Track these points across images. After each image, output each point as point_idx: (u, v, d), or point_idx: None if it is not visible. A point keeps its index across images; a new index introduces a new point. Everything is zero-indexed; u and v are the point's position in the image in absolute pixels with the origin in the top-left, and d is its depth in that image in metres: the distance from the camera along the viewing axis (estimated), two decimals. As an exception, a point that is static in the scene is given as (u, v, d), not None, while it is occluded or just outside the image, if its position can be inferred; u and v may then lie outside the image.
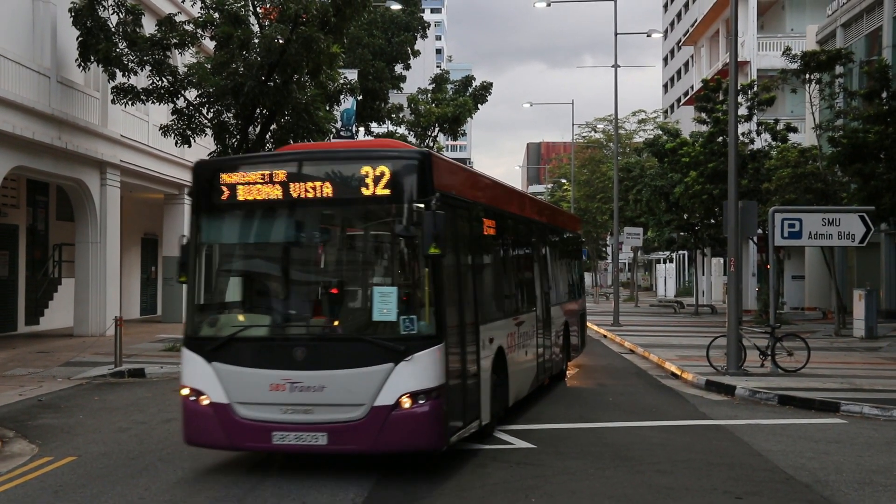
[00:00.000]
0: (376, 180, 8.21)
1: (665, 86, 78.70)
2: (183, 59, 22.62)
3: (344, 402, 8.06)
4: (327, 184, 8.41)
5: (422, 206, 8.11)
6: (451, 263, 8.89)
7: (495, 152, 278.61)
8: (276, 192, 8.49)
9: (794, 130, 30.69)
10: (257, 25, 21.06)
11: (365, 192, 8.28)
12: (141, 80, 20.75)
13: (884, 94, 22.94)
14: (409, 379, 8.00)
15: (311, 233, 8.82)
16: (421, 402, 8.02)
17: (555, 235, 16.08)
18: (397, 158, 8.42)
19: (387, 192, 8.22)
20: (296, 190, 8.43)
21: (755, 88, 31.20)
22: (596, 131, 63.63)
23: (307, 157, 9.17)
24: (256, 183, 8.54)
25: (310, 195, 8.41)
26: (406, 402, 7.99)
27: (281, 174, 8.49)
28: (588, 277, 73.10)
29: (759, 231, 24.53)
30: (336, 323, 8.67)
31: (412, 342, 8.04)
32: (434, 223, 7.99)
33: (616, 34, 34.46)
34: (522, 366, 11.95)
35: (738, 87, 29.13)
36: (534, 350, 12.80)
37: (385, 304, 8.08)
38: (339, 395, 8.07)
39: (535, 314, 13.12)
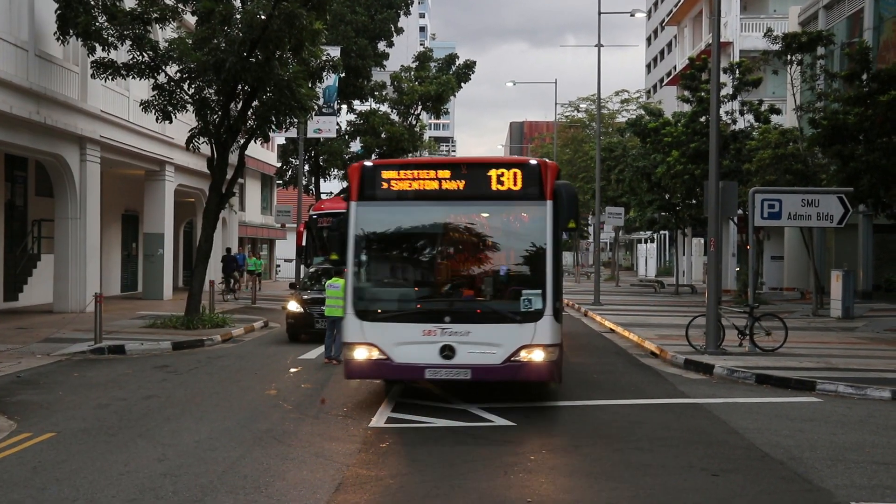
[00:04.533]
0: None
1: (648, 66, 78.67)
2: (164, 34, 22.39)
3: None
4: None
5: None
6: None
7: (478, 131, 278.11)
8: None
9: (778, 112, 30.83)
10: (239, 0, 20.88)
11: None
12: (121, 54, 20.53)
13: (864, 77, 23.03)
14: None
15: None
16: None
17: None
18: None
19: None
20: None
21: (741, 68, 31.27)
22: (578, 111, 63.65)
23: None
24: None
25: None
26: None
27: None
28: (569, 256, 73.31)
29: (740, 211, 24.67)
30: None
31: None
32: None
33: (599, 13, 34.39)
34: None
35: (724, 68, 29.37)
36: None
37: None
38: None
39: None
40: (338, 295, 13.72)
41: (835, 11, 32.41)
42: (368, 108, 38.60)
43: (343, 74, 33.27)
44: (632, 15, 40.82)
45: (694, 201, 33.81)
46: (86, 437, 9.27)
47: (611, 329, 22.29)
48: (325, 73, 23.59)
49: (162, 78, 20.62)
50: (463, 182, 10.76)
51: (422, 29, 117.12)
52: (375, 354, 10.55)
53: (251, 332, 20.47)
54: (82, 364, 14.81)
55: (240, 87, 20.60)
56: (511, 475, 7.87)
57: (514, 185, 10.67)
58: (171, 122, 21.47)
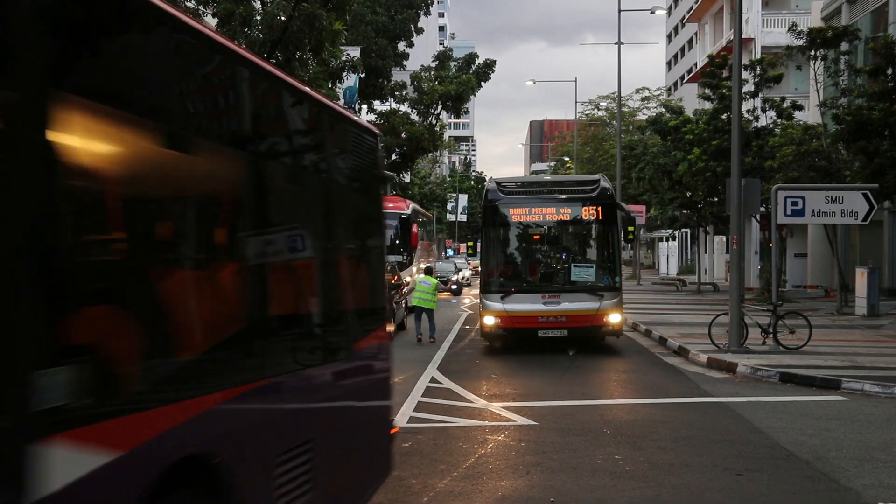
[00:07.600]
0: None
1: (668, 63, 78.22)
2: (185, 36, 22.53)
3: None
4: None
5: None
6: None
7: (498, 130, 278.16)
8: None
9: (800, 108, 30.56)
10: (259, 2, 20.98)
11: None
12: (143, 57, 20.70)
13: (889, 71, 22.77)
14: None
15: None
16: None
17: None
18: None
19: None
20: None
21: (763, 64, 31.03)
22: (599, 109, 63.48)
23: None
24: None
25: None
26: None
27: None
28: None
29: (762, 209, 24.48)
30: None
31: None
32: None
33: (619, 11, 34.29)
34: None
35: (745, 64, 29.15)
36: None
37: None
38: None
39: None
40: (426, 290, 18.71)
41: (858, 6, 32.08)
42: (389, 108, 38.68)
43: (363, 75, 33.32)
44: (652, 12, 40.70)
45: (716, 199, 33.60)
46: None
47: (633, 327, 22.20)
48: (345, 74, 23.71)
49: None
50: None
51: (441, 28, 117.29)
52: None
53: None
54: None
55: (260, 88, 20.70)
56: (534, 474, 7.85)
57: None
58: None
